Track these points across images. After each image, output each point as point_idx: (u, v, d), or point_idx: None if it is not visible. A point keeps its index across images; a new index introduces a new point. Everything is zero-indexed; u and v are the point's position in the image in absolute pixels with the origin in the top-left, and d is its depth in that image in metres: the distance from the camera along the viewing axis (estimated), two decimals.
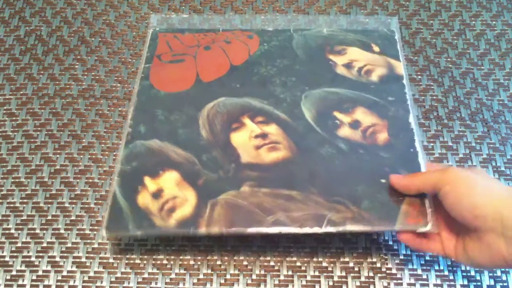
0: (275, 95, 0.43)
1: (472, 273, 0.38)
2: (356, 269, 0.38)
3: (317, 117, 0.42)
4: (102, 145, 0.43)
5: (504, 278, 0.38)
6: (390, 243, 0.39)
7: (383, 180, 0.38)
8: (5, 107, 0.45)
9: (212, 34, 0.47)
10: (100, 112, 0.44)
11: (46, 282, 0.38)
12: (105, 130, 0.44)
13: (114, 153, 0.43)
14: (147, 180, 0.38)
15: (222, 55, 0.45)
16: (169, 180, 0.38)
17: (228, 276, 0.38)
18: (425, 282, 0.38)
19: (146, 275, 0.38)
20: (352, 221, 0.36)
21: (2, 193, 0.41)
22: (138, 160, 0.39)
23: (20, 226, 0.40)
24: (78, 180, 0.41)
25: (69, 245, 0.39)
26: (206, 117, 0.42)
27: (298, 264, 0.39)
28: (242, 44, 0.46)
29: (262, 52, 0.45)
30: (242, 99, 0.43)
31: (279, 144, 0.40)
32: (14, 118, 0.44)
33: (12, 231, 0.40)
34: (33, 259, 0.39)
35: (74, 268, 0.38)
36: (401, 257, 0.39)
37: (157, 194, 0.38)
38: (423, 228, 0.35)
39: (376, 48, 0.46)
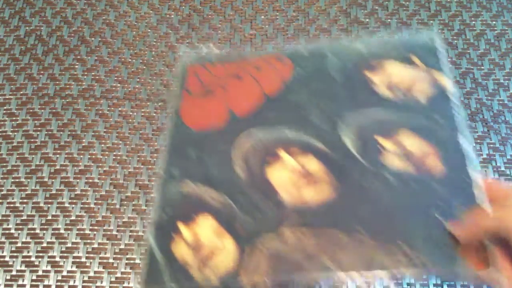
0: (311, 122, 0.39)
1: None
2: None
3: (358, 143, 0.37)
4: (102, 145, 0.43)
5: None
6: None
7: (436, 216, 0.33)
8: (5, 107, 0.45)
9: (242, 62, 0.44)
10: (100, 112, 0.44)
11: (46, 282, 0.38)
12: (105, 130, 0.44)
13: (114, 153, 0.42)
14: (182, 226, 0.35)
15: (254, 85, 0.42)
16: (205, 226, 0.35)
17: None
18: (425, 282, 0.38)
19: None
20: (407, 265, 0.32)
21: (2, 193, 0.41)
22: (172, 206, 0.36)
23: (20, 226, 0.40)
24: (78, 180, 0.41)
25: (69, 245, 0.39)
26: (239, 151, 0.38)
27: None
28: (273, 70, 0.43)
29: (296, 78, 0.42)
30: (276, 128, 0.39)
31: (319, 179, 0.36)
32: (14, 118, 0.44)
33: (12, 231, 0.40)
34: (33, 259, 0.39)
35: (74, 268, 0.38)
36: None
37: (192, 242, 0.35)
38: (485, 272, 0.31)
39: (417, 60, 0.41)
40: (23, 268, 0.38)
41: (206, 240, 0.35)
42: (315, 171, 0.36)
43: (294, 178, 0.36)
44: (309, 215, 0.34)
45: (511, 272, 0.30)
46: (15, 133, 0.43)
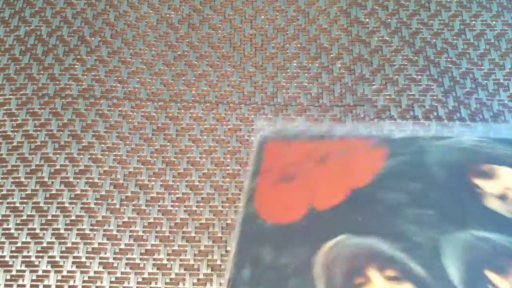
0: (408, 237, 0.31)
1: None
2: None
3: (465, 278, 0.29)
4: (102, 145, 0.43)
5: None
6: None
7: None
8: (5, 107, 0.45)
9: (328, 142, 0.38)
10: (100, 112, 0.44)
11: (46, 282, 0.38)
12: (105, 130, 0.44)
13: (114, 153, 0.42)
14: None
15: (340, 174, 0.36)
16: None
17: (228, 276, 0.38)
18: None
19: (146, 275, 0.38)
20: None
21: (2, 193, 0.41)
22: None
23: (20, 226, 0.40)
24: (78, 180, 0.41)
25: (69, 245, 0.39)
26: (322, 263, 0.31)
27: None
28: (364, 157, 0.37)
29: (389, 171, 0.35)
30: (367, 239, 0.32)
31: None
32: (14, 118, 0.44)
33: (12, 231, 0.40)
34: (33, 259, 0.39)
35: (74, 268, 0.38)
36: None
37: None
38: None
39: None
40: (23, 268, 0.38)
41: None
42: None
43: None
44: None
45: None
46: (15, 133, 0.43)
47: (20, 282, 0.38)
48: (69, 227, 0.40)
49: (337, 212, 0.33)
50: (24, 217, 0.40)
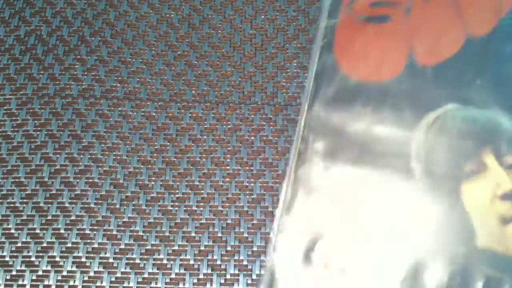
0: None
1: None
2: None
3: None
4: (102, 145, 0.43)
5: None
6: None
7: None
8: (5, 107, 0.45)
9: None
10: (100, 112, 0.44)
11: (46, 282, 0.38)
12: (105, 130, 0.44)
13: (114, 153, 0.42)
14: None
15: (453, 14, 0.26)
16: None
17: (228, 276, 0.38)
18: None
19: (146, 275, 0.38)
20: None
21: (2, 193, 0.41)
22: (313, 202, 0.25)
23: (20, 226, 0.40)
24: (78, 180, 0.41)
25: (69, 245, 0.39)
26: (423, 141, 0.24)
27: None
28: None
29: None
30: (486, 112, 0.24)
31: None
32: (14, 118, 0.44)
33: (12, 231, 0.40)
34: (33, 259, 0.39)
35: (74, 268, 0.38)
36: None
37: None
38: None
39: None
40: (23, 268, 0.38)
41: None
42: None
43: (504, 208, 0.22)
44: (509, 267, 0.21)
45: None
46: (15, 133, 0.43)
47: (20, 282, 0.38)
48: (69, 227, 0.40)
49: (444, 70, 0.25)
50: (24, 217, 0.40)
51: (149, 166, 0.42)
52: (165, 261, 0.38)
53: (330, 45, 0.27)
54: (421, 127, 0.24)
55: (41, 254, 0.39)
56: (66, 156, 0.42)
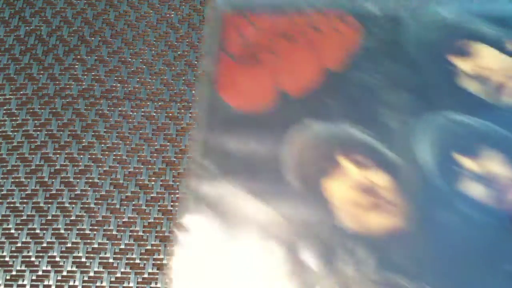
0: (380, 121, 0.31)
1: None
2: None
3: (436, 161, 0.30)
4: (102, 145, 0.43)
5: None
6: None
7: None
8: (5, 107, 0.45)
9: (296, 15, 0.35)
10: (100, 112, 0.44)
11: (46, 282, 0.38)
12: (105, 130, 0.44)
13: (114, 153, 0.42)
14: None
15: (311, 53, 0.33)
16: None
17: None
18: None
19: (146, 275, 0.38)
20: None
21: (2, 193, 0.41)
22: (203, 212, 0.31)
23: (20, 226, 0.40)
24: (78, 180, 0.41)
25: (69, 245, 0.39)
26: (290, 151, 0.31)
27: None
28: (337, 34, 0.34)
29: (364, 49, 0.33)
30: (338, 125, 0.31)
31: (387, 203, 0.29)
32: (14, 118, 0.44)
33: (12, 231, 0.40)
34: (33, 259, 0.39)
35: (74, 268, 0.38)
36: None
37: None
38: None
39: None
40: (23, 268, 0.38)
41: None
42: (384, 189, 0.29)
43: (357, 196, 0.29)
44: (373, 251, 0.28)
45: None
46: (15, 133, 0.43)
47: (20, 282, 0.38)
48: (69, 227, 0.40)
49: (309, 97, 0.32)
50: (24, 217, 0.40)
51: (149, 166, 0.42)
52: (165, 261, 0.38)
53: (212, 82, 0.33)
54: (290, 140, 0.31)
55: (41, 254, 0.39)
56: (66, 156, 0.42)
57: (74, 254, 0.39)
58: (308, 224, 0.28)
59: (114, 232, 0.39)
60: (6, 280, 0.38)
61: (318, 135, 0.31)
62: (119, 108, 0.45)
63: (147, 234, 0.40)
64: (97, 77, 0.46)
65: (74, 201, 0.41)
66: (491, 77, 0.32)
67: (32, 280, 0.38)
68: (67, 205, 0.40)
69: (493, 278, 0.26)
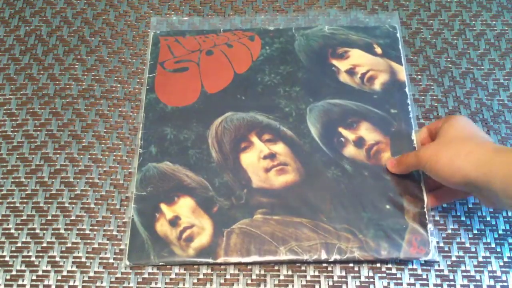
0: (280, 109, 0.43)
1: (472, 273, 0.38)
2: (356, 268, 0.38)
3: (323, 134, 0.42)
4: (102, 145, 0.43)
5: (504, 278, 0.38)
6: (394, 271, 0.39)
7: (387, 206, 0.39)
8: (5, 107, 0.45)
9: (213, 36, 0.47)
10: (100, 112, 0.44)
11: (46, 282, 0.38)
12: (105, 130, 0.44)
13: (114, 154, 0.43)
14: (164, 207, 0.39)
15: (225, 62, 0.45)
16: (185, 207, 0.39)
17: (228, 276, 0.38)
18: (425, 282, 0.38)
19: (146, 275, 0.38)
20: (360, 250, 0.37)
21: (2, 193, 0.41)
22: (152, 185, 0.40)
23: (20, 226, 0.40)
24: (78, 180, 0.41)
25: (69, 245, 0.39)
26: (214, 135, 0.42)
27: (298, 265, 0.39)
28: (244, 47, 0.46)
29: (265, 57, 0.45)
30: (248, 114, 0.42)
31: (288, 166, 0.40)
32: (14, 118, 0.44)
33: (12, 231, 0.40)
34: (33, 259, 0.39)
35: (74, 268, 0.38)
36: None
37: (174, 222, 0.39)
38: (425, 257, 0.37)
39: (379, 50, 0.46)
40: (23, 268, 0.38)
41: (187, 220, 0.38)
42: (284, 157, 0.41)
43: (265, 163, 0.40)
44: (277, 201, 0.39)
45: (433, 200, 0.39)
46: (15, 133, 0.43)
47: (20, 282, 0.38)
48: (69, 227, 0.40)
49: (224, 94, 0.44)
50: (24, 217, 0.40)
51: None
52: None
53: (152, 88, 0.44)
54: (213, 127, 0.42)
55: (41, 254, 0.39)
56: (66, 156, 0.42)
57: (74, 254, 0.39)
58: (228, 186, 0.40)
59: (114, 232, 0.39)
60: (6, 280, 0.38)
61: (234, 121, 0.42)
62: (119, 109, 0.45)
63: None
64: (97, 77, 0.46)
65: (74, 201, 0.41)
66: (359, 71, 0.44)
67: (32, 280, 0.38)
68: (67, 205, 0.40)
69: (366, 212, 0.38)
